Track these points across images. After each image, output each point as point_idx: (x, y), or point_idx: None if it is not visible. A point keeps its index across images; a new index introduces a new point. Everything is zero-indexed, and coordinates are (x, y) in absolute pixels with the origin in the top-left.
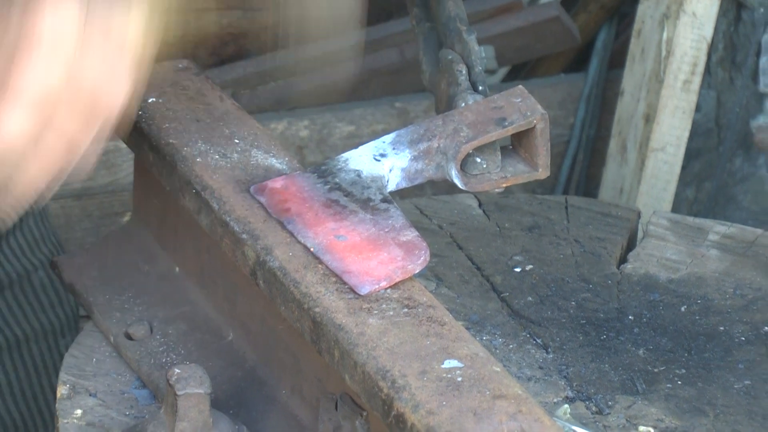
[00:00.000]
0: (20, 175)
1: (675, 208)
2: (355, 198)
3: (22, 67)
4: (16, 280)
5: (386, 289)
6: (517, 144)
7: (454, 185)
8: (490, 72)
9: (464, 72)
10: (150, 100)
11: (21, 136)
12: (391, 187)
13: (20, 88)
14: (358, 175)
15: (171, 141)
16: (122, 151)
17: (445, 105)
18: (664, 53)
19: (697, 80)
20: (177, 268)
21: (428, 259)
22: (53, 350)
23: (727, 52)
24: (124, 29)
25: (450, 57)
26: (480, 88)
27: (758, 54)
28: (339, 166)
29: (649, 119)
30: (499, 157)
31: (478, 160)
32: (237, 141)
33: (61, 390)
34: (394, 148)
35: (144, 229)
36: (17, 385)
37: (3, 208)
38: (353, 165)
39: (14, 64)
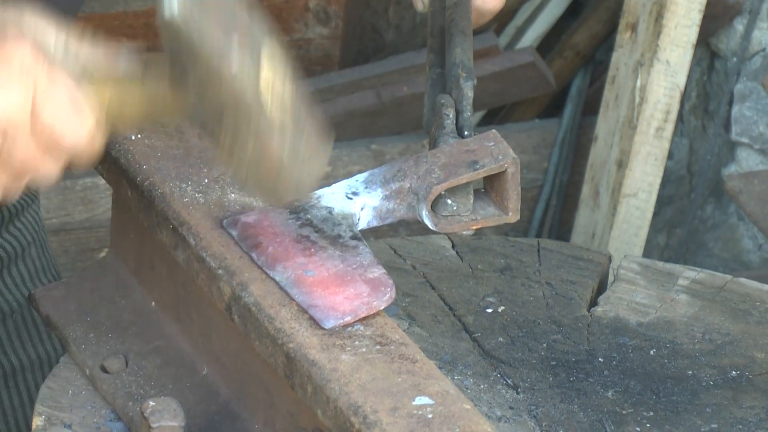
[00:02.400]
0: None
1: (646, 254)
2: (326, 234)
3: None
4: (16, 309)
5: (357, 325)
6: (488, 187)
7: (425, 225)
8: None
9: (451, 116)
10: (129, 137)
11: None
12: (362, 225)
13: None
14: (330, 212)
15: (149, 177)
16: (99, 187)
17: (432, 147)
18: (637, 100)
19: (669, 127)
20: (153, 303)
21: (393, 296)
22: None
23: (700, 101)
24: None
25: (443, 101)
26: (466, 133)
27: (730, 103)
28: (311, 203)
29: (621, 165)
30: (471, 200)
31: (449, 201)
32: (215, 178)
33: (37, 421)
34: (366, 187)
35: (121, 264)
36: (11, 414)
37: None
38: (325, 202)
39: None
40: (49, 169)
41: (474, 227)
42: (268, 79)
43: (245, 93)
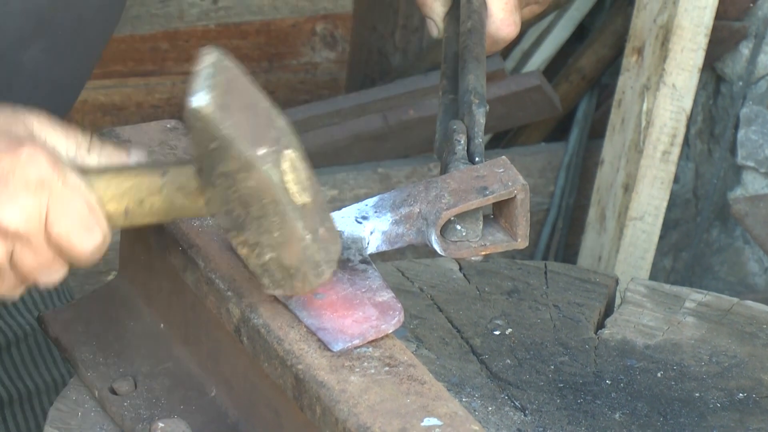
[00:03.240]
0: None
1: (652, 277)
2: None
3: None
4: (30, 332)
5: (366, 347)
6: (498, 213)
7: (434, 251)
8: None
9: (462, 142)
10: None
11: None
12: (372, 249)
13: None
14: (340, 236)
15: None
16: None
17: (443, 173)
18: (643, 124)
19: (675, 151)
20: (161, 325)
21: (402, 320)
22: None
23: (706, 124)
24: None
25: (455, 127)
26: (477, 159)
27: (736, 127)
28: None
29: (628, 189)
30: (480, 226)
31: (459, 227)
32: None
33: None
34: (376, 212)
35: (130, 286)
36: None
37: None
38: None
39: None
40: (55, 274)
41: (483, 253)
42: (292, 161)
43: (272, 179)
